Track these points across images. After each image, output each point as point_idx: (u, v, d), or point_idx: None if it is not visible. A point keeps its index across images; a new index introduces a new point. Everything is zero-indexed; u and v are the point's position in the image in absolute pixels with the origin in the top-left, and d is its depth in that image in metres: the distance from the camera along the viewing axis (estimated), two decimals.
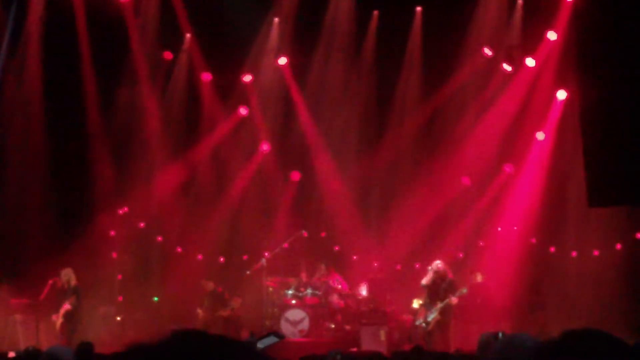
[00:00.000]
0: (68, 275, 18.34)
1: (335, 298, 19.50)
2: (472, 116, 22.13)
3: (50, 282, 18.45)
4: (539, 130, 21.38)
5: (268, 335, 10.56)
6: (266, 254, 20.43)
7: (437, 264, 18.10)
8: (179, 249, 22.12)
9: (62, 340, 17.64)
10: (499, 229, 21.62)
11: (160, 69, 22.59)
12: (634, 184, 16.69)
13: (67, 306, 18.17)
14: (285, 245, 20.86)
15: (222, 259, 22.26)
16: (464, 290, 17.75)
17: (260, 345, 11.90)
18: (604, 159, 16.96)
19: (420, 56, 22.48)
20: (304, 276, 20.24)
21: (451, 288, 17.78)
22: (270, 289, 19.71)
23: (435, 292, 17.87)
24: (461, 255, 21.40)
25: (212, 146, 22.88)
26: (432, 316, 17.64)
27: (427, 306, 17.88)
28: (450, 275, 18.14)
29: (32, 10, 21.16)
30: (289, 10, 22.46)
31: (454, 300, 17.63)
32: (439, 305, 17.63)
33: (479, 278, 19.83)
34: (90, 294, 19.99)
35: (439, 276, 17.91)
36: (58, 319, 18.20)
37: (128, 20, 21.92)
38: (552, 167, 21.16)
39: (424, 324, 17.76)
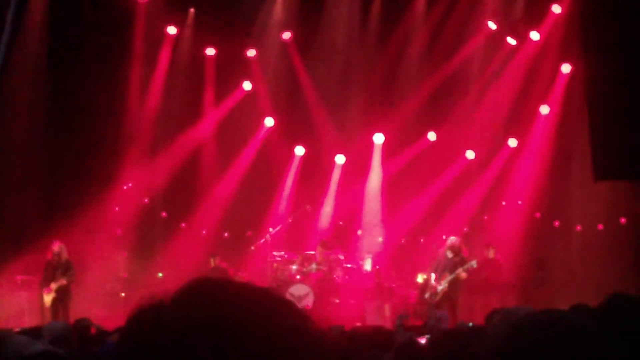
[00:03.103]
0: (60, 249, 18.17)
1: (339, 273, 19.48)
2: (476, 90, 22.06)
3: (48, 256, 18.30)
4: (544, 104, 21.32)
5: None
6: (270, 229, 20.42)
7: (452, 239, 17.94)
8: (183, 225, 22.12)
9: (54, 317, 17.49)
10: (504, 203, 21.59)
11: (164, 44, 22.52)
12: (639, 158, 16.62)
13: (62, 281, 17.96)
14: (290, 220, 20.89)
15: (226, 235, 22.26)
16: (474, 263, 17.55)
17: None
18: (609, 132, 16.88)
19: (425, 30, 22.40)
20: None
21: (462, 262, 17.63)
22: (275, 264, 19.69)
23: (444, 264, 17.70)
24: (466, 229, 21.37)
25: (216, 121, 22.83)
26: (441, 288, 17.49)
27: (437, 278, 17.65)
28: (465, 253, 17.96)
29: None
30: None
31: (463, 274, 17.46)
32: (448, 277, 17.46)
33: (491, 254, 19.74)
34: (94, 271, 20.02)
35: (452, 250, 17.74)
36: (50, 294, 18.01)
37: None
38: (557, 141, 21.11)
39: (432, 296, 17.59)
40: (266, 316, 1.62)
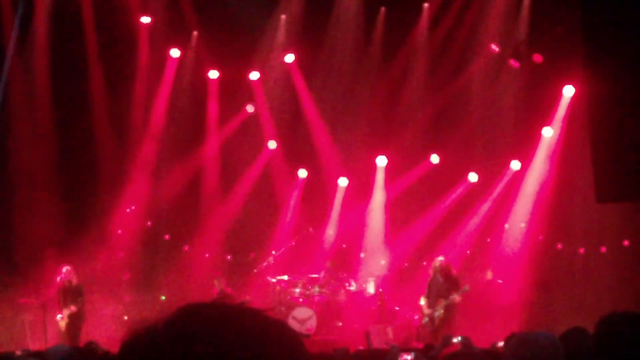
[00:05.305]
0: (70, 274, 18.26)
1: (342, 296, 19.46)
2: (479, 113, 22.07)
3: (58, 281, 18.38)
4: (547, 126, 21.32)
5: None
6: (273, 252, 20.39)
7: (439, 260, 18.11)
8: (186, 248, 22.09)
9: (69, 341, 17.54)
10: (507, 225, 21.56)
11: (167, 66, 22.56)
12: None
13: (72, 308, 18.08)
14: (293, 243, 20.87)
15: (229, 257, 22.23)
16: (467, 288, 17.72)
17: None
18: (612, 154, 16.88)
19: (428, 52, 22.43)
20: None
21: (454, 286, 17.76)
22: (277, 287, 19.66)
23: (438, 289, 17.85)
24: (468, 252, 21.35)
25: (219, 144, 22.84)
26: (437, 314, 17.62)
27: (430, 303, 17.83)
28: (454, 272, 18.15)
29: (39, 3, 21.21)
30: (296, 7, 22.42)
31: (457, 299, 17.61)
32: (443, 302, 17.61)
33: (489, 276, 19.75)
34: (97, 294, 19.99)
35: (441, 273, 17.89)
36: (63, 320, 18.11)
37: (135, 17, 21.89)
38: (560, 162, 21.09)
39: (430, 323, 17.72)
40: (257, 343, 1.59)
